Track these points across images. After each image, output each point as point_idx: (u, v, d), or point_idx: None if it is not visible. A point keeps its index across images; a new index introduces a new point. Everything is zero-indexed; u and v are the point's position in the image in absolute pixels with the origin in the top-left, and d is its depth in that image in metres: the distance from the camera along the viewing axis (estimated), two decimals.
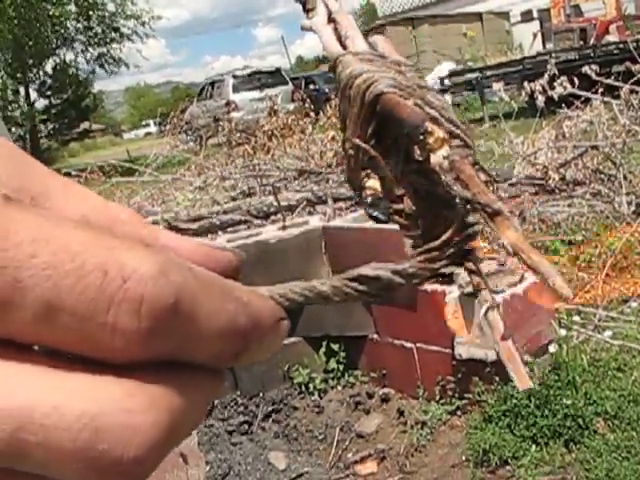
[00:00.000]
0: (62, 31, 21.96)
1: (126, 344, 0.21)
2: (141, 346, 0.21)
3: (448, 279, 0.30)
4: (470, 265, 0.29)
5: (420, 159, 0.28)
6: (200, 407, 0.24)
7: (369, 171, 0.31)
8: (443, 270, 0.28)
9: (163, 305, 0.21)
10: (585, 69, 5.38)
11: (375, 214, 0.30)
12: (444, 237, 0.28)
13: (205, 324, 0.22)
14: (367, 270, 0.26)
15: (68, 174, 7.53)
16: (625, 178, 4.35)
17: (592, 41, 14.29)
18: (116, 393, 0.21)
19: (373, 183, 0.31)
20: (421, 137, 0.26)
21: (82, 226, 0.21)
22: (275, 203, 4.19)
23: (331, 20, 0.39)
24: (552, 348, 2.53)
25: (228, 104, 17.87)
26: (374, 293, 0.26)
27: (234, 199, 5.17)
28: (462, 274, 0.29)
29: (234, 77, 19.09)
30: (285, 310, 0.26)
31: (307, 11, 0.41)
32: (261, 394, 3.01)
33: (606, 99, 5.26)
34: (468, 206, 0.28)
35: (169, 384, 0.22)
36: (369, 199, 0.30)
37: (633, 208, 4.06)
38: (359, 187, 0.32)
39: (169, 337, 0.21)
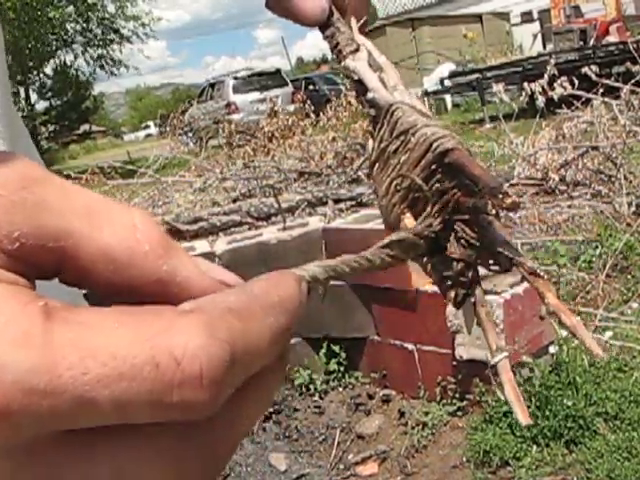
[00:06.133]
0: (62, 33, 22.00)
1: (198, 412, 0.22)
2: (212, 406, 0.22)
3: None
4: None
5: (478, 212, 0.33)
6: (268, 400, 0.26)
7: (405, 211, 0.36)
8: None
9: (222, 369, 0.21)
10: (585, 70, 5.38)
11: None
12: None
13: (258, 349, 0.23)
14: (394, 236, 0.31)
15: (68, 176, 7.54)
16: (625, 179, 4.34)
17: (592, 42, 14.29)
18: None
19: (410, 222, 0.35)
20: (500, 196, 0.31)
21: (120, 322, 0.21)
22: (275, 204, 4.19)
23: (369, 66, 0.42)
24: (552, 349, 2.53)
25: (228, 105, 17.90)
26: (401, 256, 0.31)
27: (234, 200, 5.17)
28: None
29: (234, 78, 19.10)
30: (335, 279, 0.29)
31: (338, 51, 0.44)
32: None
33: (606, 100, 5.26)
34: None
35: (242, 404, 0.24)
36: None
37: (633, 209, 4.06)
38: (395, 222, 0.35)
39: (235, 382, 0.23)
